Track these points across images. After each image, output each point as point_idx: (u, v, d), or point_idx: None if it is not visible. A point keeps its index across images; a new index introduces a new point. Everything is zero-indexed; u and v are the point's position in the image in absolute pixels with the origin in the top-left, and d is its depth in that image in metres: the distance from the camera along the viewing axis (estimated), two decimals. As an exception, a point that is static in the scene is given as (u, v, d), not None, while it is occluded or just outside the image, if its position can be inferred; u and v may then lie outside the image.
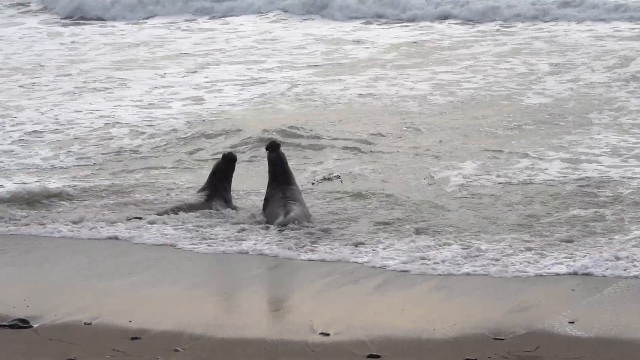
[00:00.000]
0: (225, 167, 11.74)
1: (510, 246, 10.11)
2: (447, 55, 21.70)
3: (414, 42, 23.62)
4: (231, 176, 11.76)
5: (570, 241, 10.25)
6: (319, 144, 14.77)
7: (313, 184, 12.62)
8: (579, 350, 7.63)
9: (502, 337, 7.90)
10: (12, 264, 10.27)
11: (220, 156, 12.14)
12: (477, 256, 9.90)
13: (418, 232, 10.63)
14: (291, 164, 11.91)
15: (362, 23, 26.50)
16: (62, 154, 14.61)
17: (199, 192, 11.82)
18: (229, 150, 12.96)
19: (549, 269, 9.58)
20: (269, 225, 10.93)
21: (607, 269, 9.48)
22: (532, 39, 23.27)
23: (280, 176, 11.35)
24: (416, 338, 7.95)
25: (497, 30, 24.69)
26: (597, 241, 10.27)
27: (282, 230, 10.70)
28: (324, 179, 12.80)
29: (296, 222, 10.78)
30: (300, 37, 24.56)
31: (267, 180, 11.49)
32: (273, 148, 11.48)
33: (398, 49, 22.70)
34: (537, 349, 7.61)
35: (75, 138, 15.48)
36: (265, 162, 11.75)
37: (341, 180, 12.72)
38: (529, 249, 10.01)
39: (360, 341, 7.87)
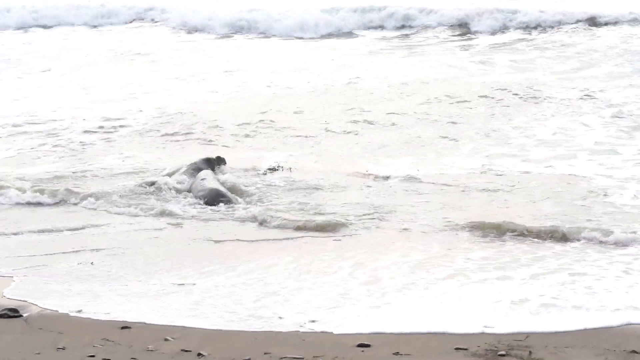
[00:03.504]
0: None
1: None
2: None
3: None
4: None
5: None
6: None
7: (264, 174, 13.45)
8: (568, 339, 7.63)
9: (493, 327, 7.90)
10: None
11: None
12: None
13: None
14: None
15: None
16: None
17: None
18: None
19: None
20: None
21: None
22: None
23: None
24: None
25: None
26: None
27: None
28: (270, 169, 13.68)
29: None
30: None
31: None
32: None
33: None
34: (527, 338, 7.61)
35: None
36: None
37: (290, 169, 13.62)
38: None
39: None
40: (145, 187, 12.60)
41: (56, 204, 12.32)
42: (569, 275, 9.15)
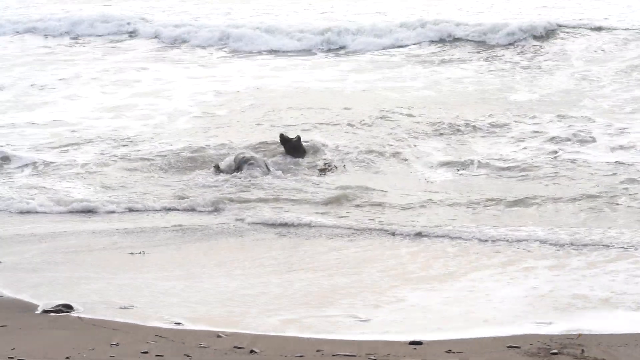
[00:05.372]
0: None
1: None
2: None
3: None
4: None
5: None
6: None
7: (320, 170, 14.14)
8: (621, 338, 7.57)
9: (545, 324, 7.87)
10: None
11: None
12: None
13: None
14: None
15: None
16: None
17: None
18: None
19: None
20: None
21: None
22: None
23: None
24: (459, 326, 7.94)
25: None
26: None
27: None
28: (322, 169, 14.21)
29: None
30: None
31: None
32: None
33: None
34: (579, 337, 7.57)
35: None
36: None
37: (344, 166, 14.15)
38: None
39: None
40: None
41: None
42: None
